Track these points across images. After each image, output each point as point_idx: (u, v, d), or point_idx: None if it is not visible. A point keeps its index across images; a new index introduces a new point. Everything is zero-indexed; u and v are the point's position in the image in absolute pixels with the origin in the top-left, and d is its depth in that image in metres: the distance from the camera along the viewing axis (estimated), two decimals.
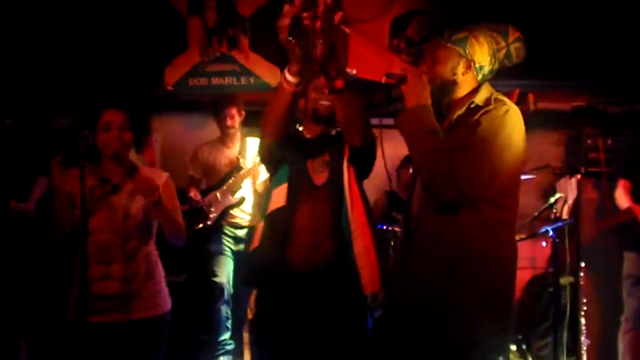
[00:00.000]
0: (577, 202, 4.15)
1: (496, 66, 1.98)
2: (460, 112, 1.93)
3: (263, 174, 3.99)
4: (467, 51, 1.93)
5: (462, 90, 1.96)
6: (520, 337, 3.72)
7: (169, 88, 3.80)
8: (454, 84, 1.95)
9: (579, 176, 4.22)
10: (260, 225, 2.27)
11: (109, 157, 2.36)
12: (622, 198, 3.60)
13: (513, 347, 3.55)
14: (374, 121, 2.17)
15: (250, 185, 4.01)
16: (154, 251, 2.44)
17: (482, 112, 1.87)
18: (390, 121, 2.03)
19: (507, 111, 1.86)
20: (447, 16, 3.46)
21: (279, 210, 2.16)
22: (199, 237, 3.92)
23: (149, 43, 3.75)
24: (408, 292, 1.95)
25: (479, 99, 1.92)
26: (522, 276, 4.27)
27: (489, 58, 1.95)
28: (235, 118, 3.89)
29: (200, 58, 3.80)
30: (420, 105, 1.88)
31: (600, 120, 4.50)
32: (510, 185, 1.89)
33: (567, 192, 4.34)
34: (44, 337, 3.38)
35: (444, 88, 1.96)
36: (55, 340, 3.22)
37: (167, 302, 2.41)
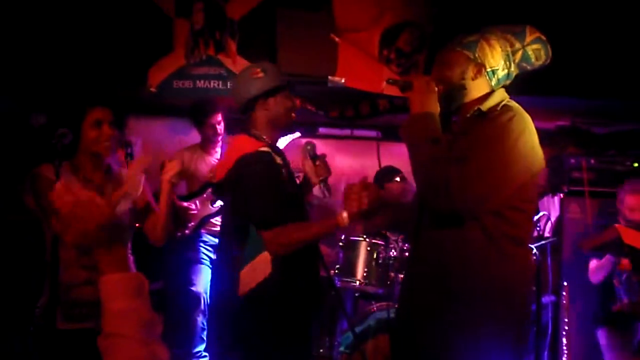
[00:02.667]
0: (559, 220, 4.16)
1: (514, 70, 1.89)
2: (465, 119, 1.86)
3: None
4: (477, 55, 1.84)
5: (472, 96, 1.87)
6: None
7: (152, 90, 3.71)
8: (463, 89, 1.86)
9: (561, 195, 4.24)
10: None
11: (90, 157, 2.26)
12: None
13: None
14: (363, 133, 2.18)
15: None
16: (131, 256, 2.36)
17: (485, 119, 1.79)
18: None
19: (511, 118, 1.75)
20: (439, 28, 3.46)
21: None
22: (177, 245, 3.82)
23: (134, 44, 3.68)
24: (406, 303, 1.90)
25: (486, 105, 1.83)
26: None
27: (502, 61, 1.85)
28: (220, 125, 3.83)
29: (186, 60, 3.72)
30: (424, 113, 1.80)
31: (584, 139, 4.55)
32: (520, 199, 1.77)
33: (550, 210, 4.35)
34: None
35: (452, 93, 1.87)
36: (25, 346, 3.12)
37: None
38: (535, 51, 1.88)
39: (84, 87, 3.54)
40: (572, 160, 4.29)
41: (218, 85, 3.71)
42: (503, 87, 1.92)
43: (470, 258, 1.75)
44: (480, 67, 1.85)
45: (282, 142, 3.97)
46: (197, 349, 3.69)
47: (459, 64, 1.86)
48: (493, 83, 1.87)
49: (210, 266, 3.81)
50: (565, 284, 3.95)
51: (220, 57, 3.71)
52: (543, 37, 1.89)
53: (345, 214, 2.00)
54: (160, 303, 3.65)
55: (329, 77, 3.37)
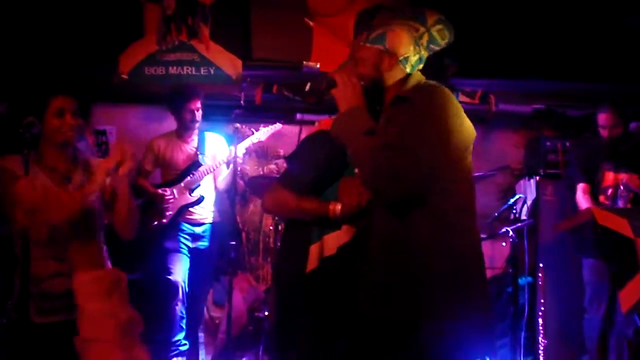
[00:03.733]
0: (536, 203, 4.21)
1: (424, 53, 1.95)
2: (387, 107, 1.90)
3: (224, 171, 3.90)
4: (387, 46, 1.89)
5: (392, 85, 1.92)
6: None
7: (124, 76, 3.64)
8: (381, 81, 1.92)
9: (537, 178, 4.28)
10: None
11: (54, 146, 2.21)
12: (582, 200, 3.68)
13: None
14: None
15: (210, 182, 3.90)
16: (104, 246, 2.33)
17: (407, 103, 1.82)
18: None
19: (431, 94, 1.82)
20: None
21: None
22: (154, 234, 3.79)
23: (103, 29, 3.59)
24: (369, 280, 1.89)
25: (404, 90, 1.89)
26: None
27: (411, 47, 1.91)
28: (198, 111, 3.77)
29: (158, 46, 3.66)
30: (352, 108, 1.85)
31: (559, 122, 4.59)
32: (456, 169, 1.83)
33: (526, 193, 4.40)
34: None
35: (374, 87, 1.92)
36: None
37: None
38: (439, 32, 1.94)
39: (51, 74, 3.45)
40: (548, 143, 4.34)
41: (191, 71, 3.67)
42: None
43: (427, 237, 1.78)
44: (392, 58, 1.90)
45: (264, 134, 3.95)
46: (176, 338, 3.67)
47: (372, 58, 1.91)
48: (408, 70, 1.93)
49: (189, 255, 3.79)
50: (541, 265, 4.01)
51: (193, 43, 3.66)
52: (442, 17, 1.95)
53: (338, 207, 2.00)
54: (139, 293, 3.62)
55: (304, 62, 3.34)
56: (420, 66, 1.97)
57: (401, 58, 1.90)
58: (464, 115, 1.85)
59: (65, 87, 2.22)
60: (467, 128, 1.85)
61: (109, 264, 2.34)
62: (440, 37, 1.94)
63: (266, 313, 3.73)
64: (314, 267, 2.03)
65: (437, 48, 1.97)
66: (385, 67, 1.90)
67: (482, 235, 3.68)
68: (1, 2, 3.51)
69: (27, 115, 2.06)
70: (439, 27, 1.93)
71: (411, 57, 1.91)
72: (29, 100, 2.22)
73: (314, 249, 2.05)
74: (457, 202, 1.81)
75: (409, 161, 1.71)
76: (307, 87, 1.98)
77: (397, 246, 1.82)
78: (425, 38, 1.92)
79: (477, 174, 3.65)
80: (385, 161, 1.72)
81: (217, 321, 4.22)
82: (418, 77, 1.94)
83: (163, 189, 3.81)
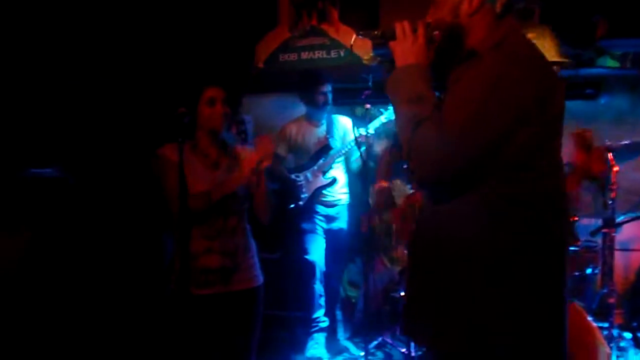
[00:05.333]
0: None
1: None
2: (460, 66, 1.51)
3: (355, 153, 3.94)
4: None
5: (475, 35, 1.50)
6: (635, 324, 3.43)
7: (260, 65, 3.82)
8: (460, 28, 1.51)
9: None
10: None
11: (206, 134, 2.39)
12: None
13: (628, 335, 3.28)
14: None
15: (342, 165, 3.97)
16: (248, 226, 2.48)
17: (480, 62, 1.43)
18: None
19: (508, 56, 1.40)
20: None
21: None
22: (291, 216, 3.94)
23: (240, 22, 3.79)
24: (408, 288, 1.65)
25: (482, 43, 1.47)
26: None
27: None
28: (328, 95, 3.84)
29: (290, 33, 3.78)
30: (406, 66, 1.51)
31: None
32: (526, 156, 1.42)
33: None
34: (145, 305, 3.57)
35: (452, 37, 1.52)
36: (157, 310, 3.41)
37: (261, 275, 2.47)
38: None
39: (198, 69, 3.72)
40: None
41: (322, 54, 3.74)
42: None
43: (466, 228, 1.45)
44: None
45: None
46: (316, 315, 3.81)
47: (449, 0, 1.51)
48: (499, 11, 1.49)
49: (324, 236, 3.90)
50: None
51: (323, 27, 3.72)
52: None
53: None
54: (279, 272, 3.81)
55: None
56: (520, 5, 1.63)
57: None
58: (548, 89, 1.43)
59: (216, 78, 2.39)
60: (546, 106, 1.42)
61: (253, 241, 2.49)
62: None
63: (402, 294, 3.73)
64: None
65: None
66: (466, 10, 1.49)
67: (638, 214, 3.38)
68: (148, 3, 3.84)
69: (182, 105, 2.26)
70: None
71: None
72: (186, 92, 2.41)
73: None
74: (516, 192, 1.43)
75: (445, 139, 1.38)
76: (353, 38, 1.65)
77: (433, 246, 1.51)
78: None
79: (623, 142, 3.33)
80: (417, 136, 1.42)
81: (353, 300, 4.31)
82: (508, 27, 1.49)
83: (297, 173, 3.95)
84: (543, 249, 1.46)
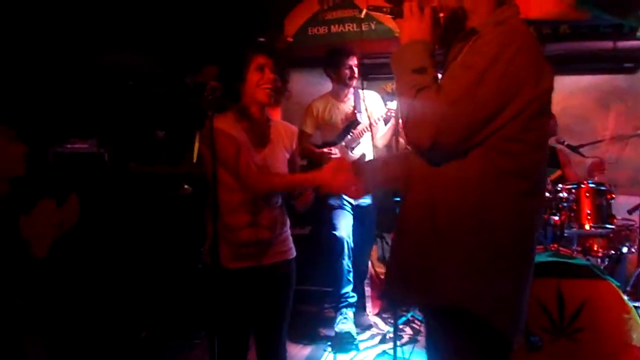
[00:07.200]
0: None
1: None
2: (459, 43, 1.59)
3: (382, 128, 3.90)
4: None
5: (477, 17, 1.59)
6: None
7: (289, 39, 3.77)
8: (462, 11, 1.59)
9: None
10: None
11: (255, 102, 2.32)
12: None
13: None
14: None
15: (369, 140, 3.94)
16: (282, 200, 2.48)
17: (478, 39, 1.51)
18: None
19: (506, 32, 1.49)
20: None
21: None
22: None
23: None
24: (395, 251, 1.71)
25: (481, 22, 1.56)
26: None
27: None
28: (355, 69, 3.80)
29: (319, 6, 3.71)
30: (411, 41, 1.57)
31: None
32: (518, 129, 1.48)
33: None
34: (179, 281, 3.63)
35: (455, 19, 1.60)
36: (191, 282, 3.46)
37: (294, 248, 2.48)
38: None
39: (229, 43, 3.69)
40: None
41: (353, 27, 3.66)
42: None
43: (461, 200, 1.52)
44: None
45: None
46: (344, 290, 3.81)
47: None
48: None
49: (352, 212, 3.89)
50: None
51: None
52: None
53: None
54: (309, 247, 3.82)
55: None
56: None
57: None
58: (537, 64, 1.50)
59: (267, 47, 2.31)
60: (539, 81, 1.48)
61: (287, 217, 2.49)
62: None
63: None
64: None
65: None
66: None
67: None
68: None
69: (233, 72, 2.22)
70: None
71: None
72: (234, 58, 2.34)
73: None
74: (506, 163, 1.50)
75: (443, 104, 1.45)
76: (364, 12, 1.76)
77: (425, 209, 1.57)
78: None
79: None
80: (417, 101, 1.48)
81: (382, 276, 4.31)
82: (510, 10, 1.59)
83: (326, 148, 3.93)
84: (528, 217, 1.55)
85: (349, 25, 3.70)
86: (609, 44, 3.95)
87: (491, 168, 1.50)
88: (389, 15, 1.66)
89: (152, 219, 3.81)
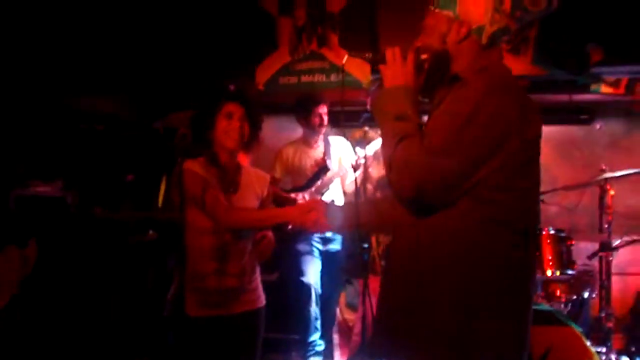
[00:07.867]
0: None
1: (510, 23, 1.64)
2: (443, 89, 1.57)
3: (351, 175, 3.96)
4: (457, 12, 1.56)
5: (461, 62, 1.57)
6: (633, 349, 3.43)
7: (260, 87, 3.87)
8: (447, 55, 1.58)
9: None
10: None
11: (223, 150, 2.35)
12: None
13: None
14: None
15: (338, 186, 3.99)
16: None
17: (463, 86, 1.50)
18: None
19: (490, 81, 1.48)
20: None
21: None
22: (288, 238, 3.93)
23: (240, 45, 3.85)
24: (381, 302, 1.65)
25: (466, 69, 1.54)
26: (637, 283, 3.95)
27: (489, 15, 1.55)
28: (325, 116, 3.87)
29: (290, 57, 3.84)
30: (394, 87, 1.55)
31: None
32: (505, 178, 1.45)
33: None
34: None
35: (439, 62, 1.58)
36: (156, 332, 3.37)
37: (263, 296, 2.46)
38: None
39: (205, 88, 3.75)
40: None
41: (322, 78, 3.79)
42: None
43: (447, 251, 1.48)
44: (463, 26, 1.56)
45: None
46: (312, 338, 3.78)
47: (438, 27, 1.59)
48: (484, 42, 1.56)
49: (320, 258, 3.89)
50: None
51: (323, 51, 3.78)
52: None
53: None
54: (275, 294, 3.78)
55: None
56: (504, 38, 1.63)
57: (474, 28, 1.56)
58: (526, 112, 1.48)
59: (237, 95, 2.36)
60: (526, 132, 1.46)
61: (257, 265, 2.47)
62: (531, 1, 1.68)
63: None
64: None
65: (527, 17, 1.69)
66: (453, 38, 1.57)
67: (635, 237, 3.40)
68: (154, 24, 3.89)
69: (204, 117, 2.25)
70: None
71: (487, 27, 1.56)
72: (206, 105, 2.37)
73: None
74: (495, 212, 1.46)
75: (425, 155, 1.42)
76: (345, 58, 1.75)
77: (411, 260, 1.53)
78: (508, 3, 1.65)
79: (620, 173, 3.38)
80: (399, 151, 1.45)
81: (350, 323, 4.26)
82: (492, 56, 1.58)
83: (295, 194, 3.95)
84: (518, 269, 1.50)
85: (318, 76, 3.83)
86: (565, 97, 4.16)
87: (478, 217, 1.46)
88: (369, 62, 1.64)
89: (116, 265, 3.73)
